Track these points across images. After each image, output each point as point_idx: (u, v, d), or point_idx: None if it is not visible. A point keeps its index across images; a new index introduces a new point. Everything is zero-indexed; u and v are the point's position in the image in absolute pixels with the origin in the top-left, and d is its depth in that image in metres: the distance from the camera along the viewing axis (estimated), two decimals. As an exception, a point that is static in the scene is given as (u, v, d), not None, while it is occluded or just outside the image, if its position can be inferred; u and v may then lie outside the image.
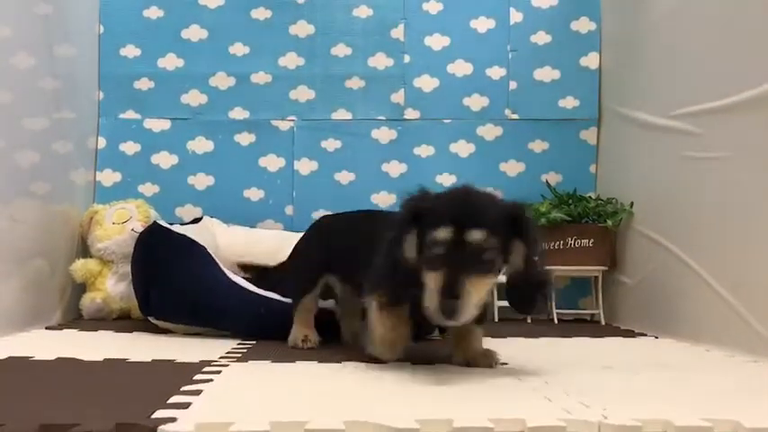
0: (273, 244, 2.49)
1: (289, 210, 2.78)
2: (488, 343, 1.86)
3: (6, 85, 1.92)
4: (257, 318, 1.90)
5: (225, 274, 2.01)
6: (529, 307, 1.45)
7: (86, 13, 2.69)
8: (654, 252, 2.25)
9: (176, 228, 2.15)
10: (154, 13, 2.81)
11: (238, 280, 2.01)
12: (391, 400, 1.13)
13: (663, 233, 2.20)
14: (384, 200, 2.79)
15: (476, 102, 2.82)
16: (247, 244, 2.52)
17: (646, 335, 2.15)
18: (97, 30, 2.77)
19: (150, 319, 2.01)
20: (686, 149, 2.06)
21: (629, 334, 2.19)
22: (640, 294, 2.35)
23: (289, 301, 1.83)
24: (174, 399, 1.05)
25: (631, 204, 2.44)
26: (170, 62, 2.81)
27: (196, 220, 2.52)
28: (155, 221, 2.18)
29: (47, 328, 2.07)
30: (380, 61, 2.83)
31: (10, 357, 1.46)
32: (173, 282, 1.95)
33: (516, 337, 2.04)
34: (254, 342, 1.82)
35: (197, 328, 1.95)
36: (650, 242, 2.28)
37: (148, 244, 2.04)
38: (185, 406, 1.00)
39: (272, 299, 1.94)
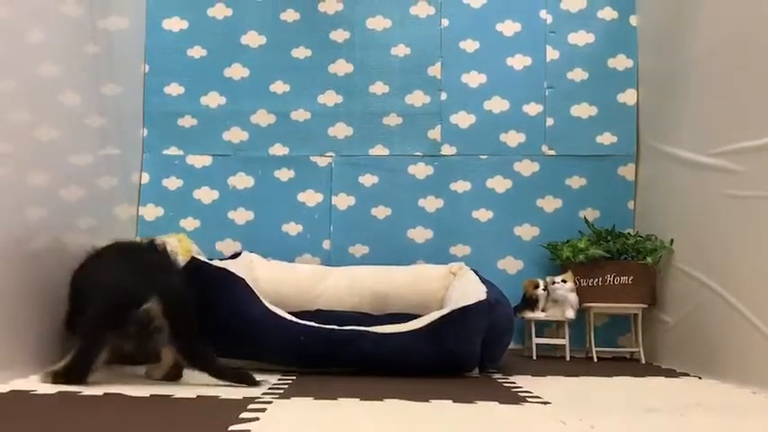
0: (310, 278, 2.54)
1: (326, 244, 2.81)
2: (529, 382, 1.85)
3: (54, 123, 1.99)
4: (297, 346, 1.94)
5: (264, 305, 2.05)
6: None
7: (132, 53, 2.78)
8: (695, 290, 2.22)
9: (215, 263, 2.18)
10: (197, 52, 2.89)
11: (277, 310, 2.05)
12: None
13: (704, 271, 2.18)
14: (420, 234, 2.81)
15: (512, 138, 2.84)
16: (285, 278, 2.55)
17: (688, 374, 2.12)
18: (142, 69, 2.86)
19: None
20: (727, 187, 2.04)
21: (671, 373, 2.16)
22: (681, 333, 2.32)
23: (330, 327, 1.94)
24: (224, 437, 1.06)
25: (671, 242, 2.42)
26: (212, 100, 2.88)
27: (235, 255, 2.54)
28: (193, 256, 2.21)
29: (91, 361, 2.09)
30: (418, 98, 2.87)
31: (60, 392, 1.49)
32: (214, 315, 1.98)
33: (556, 376, 2.03)
34: (294, 377, 1.84)
35: (238, 360, 1.97)
36: (691, 280, 2.26)
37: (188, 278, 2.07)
38: (236, 445, 1.02)
39: (311, 327, 1.98)
